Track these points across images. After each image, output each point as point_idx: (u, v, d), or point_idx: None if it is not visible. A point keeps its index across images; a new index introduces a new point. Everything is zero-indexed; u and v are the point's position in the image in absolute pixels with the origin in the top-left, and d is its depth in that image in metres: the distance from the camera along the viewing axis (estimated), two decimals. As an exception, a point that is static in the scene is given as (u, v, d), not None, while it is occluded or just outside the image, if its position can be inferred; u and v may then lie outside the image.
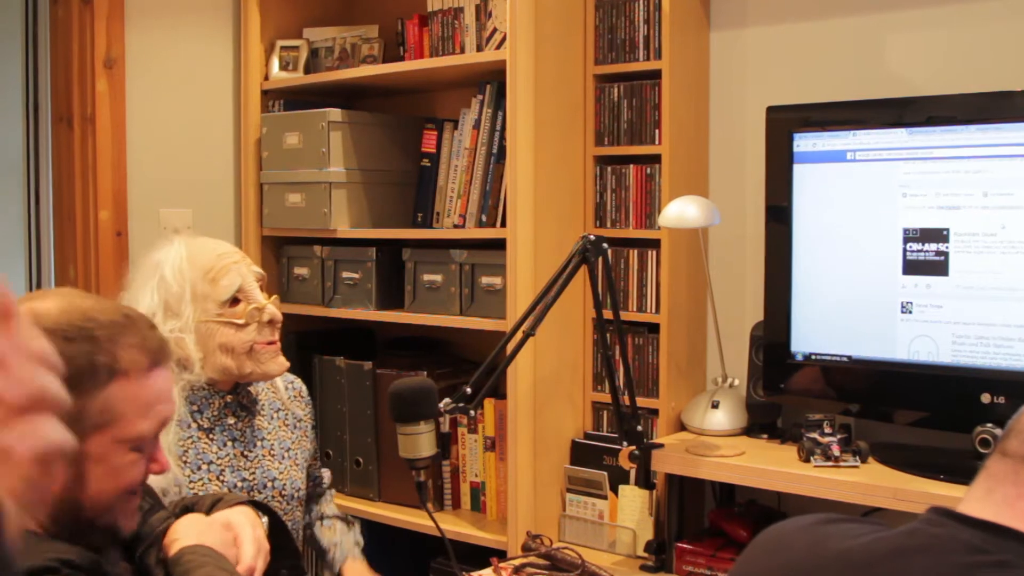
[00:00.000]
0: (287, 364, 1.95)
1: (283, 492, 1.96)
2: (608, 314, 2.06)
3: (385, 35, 2.78)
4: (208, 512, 1.49)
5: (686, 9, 2.33)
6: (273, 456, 1.97)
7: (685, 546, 2.14)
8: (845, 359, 2.07)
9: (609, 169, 2.40)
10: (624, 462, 2.11)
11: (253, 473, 1.92)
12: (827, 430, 2.02)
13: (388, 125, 2.75)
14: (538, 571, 2.12)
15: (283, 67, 2.82)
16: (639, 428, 2.08)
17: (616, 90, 2.38)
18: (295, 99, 2.83)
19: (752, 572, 1.24)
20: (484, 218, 2.43)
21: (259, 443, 1.96)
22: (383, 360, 2.65)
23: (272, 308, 1.91)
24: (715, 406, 2.25)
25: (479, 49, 2.49)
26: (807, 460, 2.00)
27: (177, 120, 2.82)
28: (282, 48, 2.83)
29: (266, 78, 2.84)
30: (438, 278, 2.51)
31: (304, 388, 2.13)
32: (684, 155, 2.34)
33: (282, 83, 2.81)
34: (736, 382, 2.27)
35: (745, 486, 2.13)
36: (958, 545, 1.03)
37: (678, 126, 2.31)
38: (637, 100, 2.35)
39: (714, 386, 2.31)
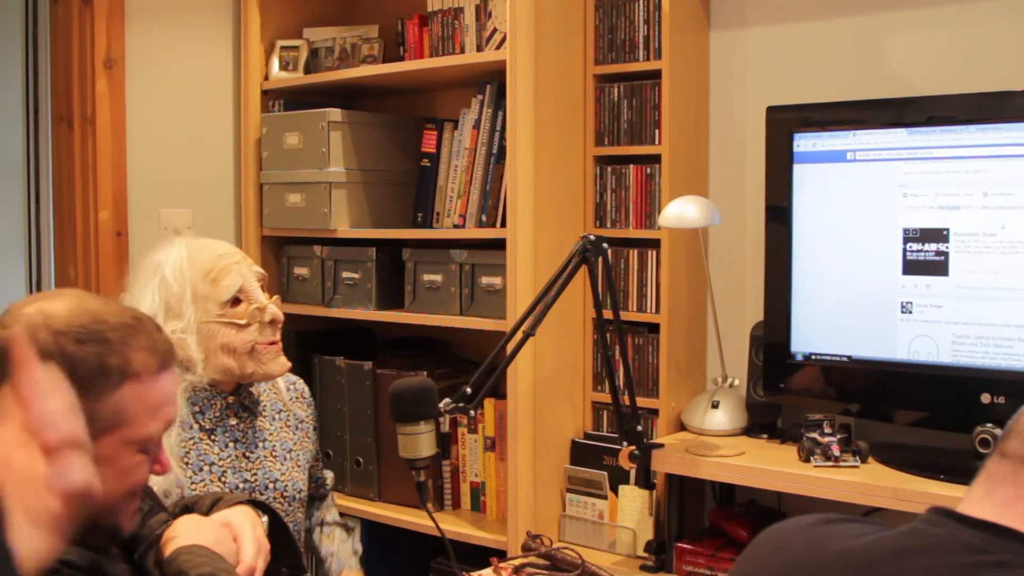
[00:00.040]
0: (289, 364, 1.95)
1: (285, 493, 1.96)
2: (608, 314, 2.06)
3: (385, 35, 2.78)
4: (208, 512, 1.49)
5: (686, 9, 2.33)
6: (275, 457, 1.97)
7: (685, 546, 2.14)
8: (845, 359, 2.08)
9: (609, 169, 2.40)
10: (624, 462, 2.11)
11: (255, 474, 1.92)
12: (827, 430, 2.02)
13: (388, 125, 2.75)
14: (538, 571, 2.12)
15: (283, 67, 2.82)
16: (639, 428, 2.08)
17: (616, 90, 2.38)
18: (295, 99, 2.83)
19: (752, 572, 1.24)
20: (484, 218, 2.43)
21: (261, 444, 1.96)
22: (383, 360, 2.65)
23: (274, 308, 1.91)
24: (715, 406, 2.25)
25: (479, 49, 2.49)
26: (807, 460, 2.00)
27: (177, 120, 2.82)
28: (282, 48, 2.83)
29: (266, 78, 2.84)
30: (438, 278, 2.51)
31: (306, 389, 2.13)
32: (684, 155, 2.34)
33: (282, 83, 2.81)
34: (736, 382, 2.27)
35: (745, 486, 2.13)
36: (958, 545, 1.03)
37: (678, 126, 2.31)
38: (637, 100, 2.35)
39: (714, 386, 2.31)
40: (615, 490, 2.31)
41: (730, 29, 2.40)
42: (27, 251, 2.78)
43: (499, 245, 2.33)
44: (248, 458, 1.93)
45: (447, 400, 1.87)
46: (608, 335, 2.12)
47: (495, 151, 2.42)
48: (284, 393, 2.04)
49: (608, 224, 2.41)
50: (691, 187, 2.33)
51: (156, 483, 1.58)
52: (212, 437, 1.90)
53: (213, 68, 2.89)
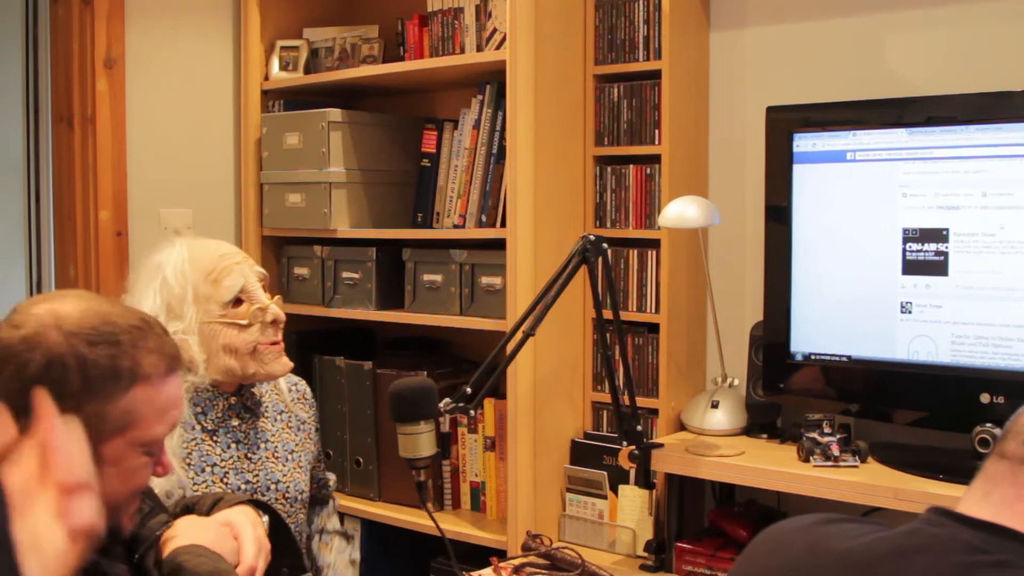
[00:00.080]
0: (291, 364, 1.95)
1: (286, 495, 1.95)
2: (608, 314, 2.07)
3: (385, 35, 2.79)
4: (208, 512, 1.50)
5: (686, 9, 2.33)
6: (277, 458, 1.97)
7: (685, 546, 2.14)
8: (845, 359, 2.08)
9: (609, 169, 2.40)
10: (624, 462, 2.11)
11: (257, 475, 1.92)
12: (827, 430, 2.03)
13: (388, 125, 2.75)
14: (538, 571, 2.12)
15: (283, 67, 2.83)
16: (639, 428, 2.09)
17: (616, 90, 2.38)
18: (295, 99, 2.83)
19: (752, 572, 1.24)
20: (484, 218, 2.43)
21: (263, 445, 1.96)
22: (383, 360, 2.65)
23: (275, 308, 1.91)
24: (715, 406, 2.25)
25: (479, 49, 2.49)
26: (807, 460, 2.00)
27: (177, 120, 2.82)
28: (282, 48, 2.83)
29: (266, 78, 2.84)
30: (438, 278, 2.51)
31: (308, 390, 2.13)
32: (684, 155, 2.34)
33: (282, 83, 2.81)
34: (736, 382, 2.28)
35: (745, 486, 2.13)
36: (958, 545, 1.03)
37: (678, 126, 2.31)
38: (637, 100, 2.35)
39: (714, 386, 2.32)
40: (615, 490, 2.31)
41: (730, 29, 2.40)
42: (27, 251, 2.78)
43: (499, 245, 2.33)
44: (250, 459, 1.92)
45: (447, 400, 1.87)
46: (608, 335, 2.12)
47: (495, 151, 2.42)
48: (286, 394, 2.04)
49: (608, 224, 2.41)
50: (691, 187, 2.33)
51: (158, 484, 1.58)
52: (214, 438, 1.89)
53: (213, 68, 2.89)
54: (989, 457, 1.09)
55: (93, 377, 1.18)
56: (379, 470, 2.61)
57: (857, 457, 1.99)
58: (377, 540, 2.63)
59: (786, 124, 2.12)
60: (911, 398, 2.02)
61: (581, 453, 2.40)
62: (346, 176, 2.65)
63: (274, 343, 1.91)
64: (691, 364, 2.39)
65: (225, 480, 1.87)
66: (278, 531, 1.58)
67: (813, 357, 2.12)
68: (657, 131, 2.32)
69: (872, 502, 1.89)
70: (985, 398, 1.90)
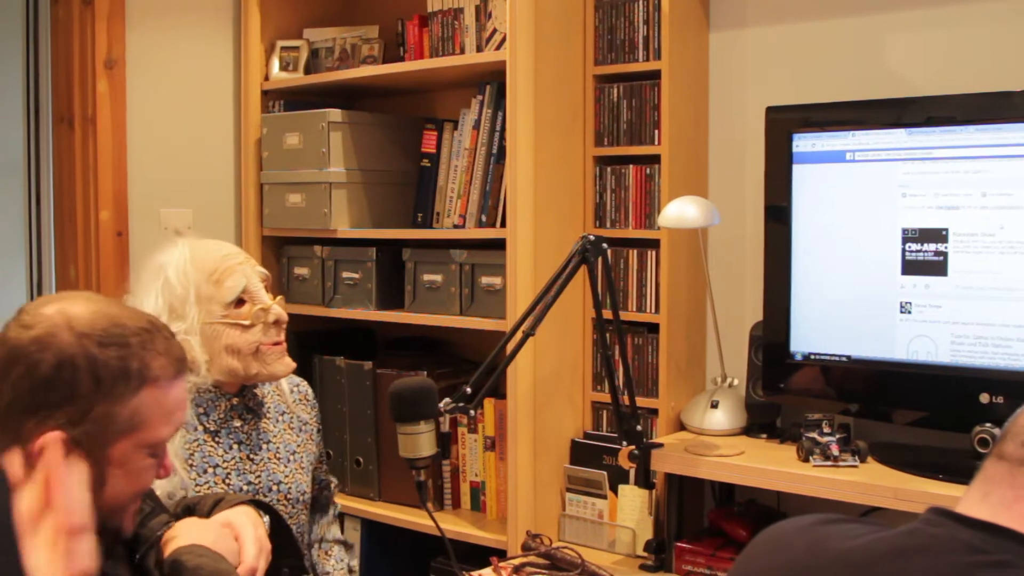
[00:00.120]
0: (293, 365, 1.95)
1: (288, 496, 1.96)
2: (608, 314, 2.07)
3: (385, 35, 2.79)
4: (209, 512, 1.50)
5: (686, 9, 2.33)
6: (279, 460, 1.97)
7: (685, 546, 2.14)
8: (844, 359, 2.08)
9: (609, 169, 2.40)
10: (624, 462, 2.11)
11: (259, 476, 1.92)
12: (826, 430, 2.03)
13: (388, 125, 2.75)
14: (538, 571, 2.13)
15: (283, 67, 2.83)
16: (639, 428, 2.09)
17: (616, 90, 2.38)
18: (295, 99, 2.84)
19: (752, 572, 1.24)
20: (484, 218, 2.43)
21: (265, 446, 1.96)
22: (383, 360, 2.65)
23: (278, 308, 1.91)
24: (714, 406, 2.26)
25: (479, 49, 2.49)
26: (806, 460, 2.00)
27: (177, 120, 2.83)
28: (282, 48, 2.84)
29: (266, 78, 2.85)
30: (438, 278, 2.52)
31: (310, 391, 2.13)
32: (684, 155, 2.35)
33: (282, 83, 2.81)
34: (735, 382, 2.28)
35: (744, 486, 2.14)
36: (958, 545, 1.03)
37: (678, 126, 2.32)
38: (637, 100, 2.35)
39: (713, 386, 2.32)
40: (615, 490, 2.31)
41: (730, 29, 2.40)
42: (27, 251, 2.78)
43: (499, 245, 2.34)
44: (252, 460, 1.93)
45: (447, 400, 1.88)
46: (608, 335, 2.12)
47: (495, 151, 2.43)
48: (288, 395, 2.04)
49: (608, 224, 2.41)
50: (691, 187, 2.33)
51: (160, 485, 1.58)
52: (216, 439, 1.90)
53: (213, 68, 2.89)
54: (988, 458, 1.09)
55: (103, 378, 1.19)
56: (379, 470, 2.61)
57: (857, 457, 1.99)
58: (377, 540, 2.64)
59: (786, 124, 2.12)
60: (911, 398, 2.02)
61: (581, 453, 2.40)
62: (346, 176, 2.65)
63: (276, 343, 1.91)
64: (691, 364, 2.39)
65: (227, 481, 1.87)
66: (279, 531, 1.58)
67: (813, 357, 2.12)
68: (657, 131, 2.32)
69: (872, 502, 1.89)
70: (985, 398, 1.90)
